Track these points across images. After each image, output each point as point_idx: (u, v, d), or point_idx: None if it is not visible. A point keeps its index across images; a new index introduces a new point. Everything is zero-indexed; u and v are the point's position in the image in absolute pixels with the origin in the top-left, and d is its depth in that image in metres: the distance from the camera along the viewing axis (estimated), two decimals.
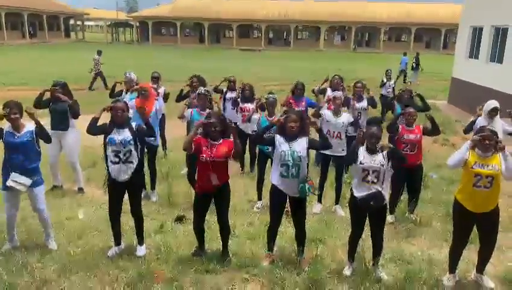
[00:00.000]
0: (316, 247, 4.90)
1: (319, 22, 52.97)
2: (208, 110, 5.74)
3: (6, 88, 16.20)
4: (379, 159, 4.16)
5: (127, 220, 4.99)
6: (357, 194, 4.26)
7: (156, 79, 8.21)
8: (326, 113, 6.13)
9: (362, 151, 4.23)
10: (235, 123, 7.61)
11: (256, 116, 6.61)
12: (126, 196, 4.67)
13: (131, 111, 5.15)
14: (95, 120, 4.54)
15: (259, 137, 4.74)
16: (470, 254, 4.65)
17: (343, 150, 5.91)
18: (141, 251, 4.74)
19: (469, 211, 4.10)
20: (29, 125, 4.53)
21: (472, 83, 14.35)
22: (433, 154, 8.66)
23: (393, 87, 12.64)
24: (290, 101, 7.21)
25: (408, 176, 5.72)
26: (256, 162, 6.79)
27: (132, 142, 4.47)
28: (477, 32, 14.96)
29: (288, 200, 4.51)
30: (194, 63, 27.43)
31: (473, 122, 6.17)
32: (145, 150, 6.17)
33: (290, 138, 4.34)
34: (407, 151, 5.55)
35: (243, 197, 6.55)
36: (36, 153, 4.60)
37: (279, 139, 4.39)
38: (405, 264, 4.67)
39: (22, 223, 5.27)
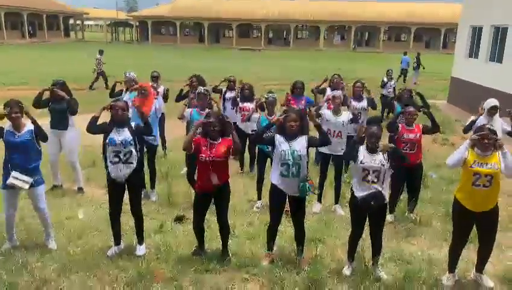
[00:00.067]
0: (315, 246, 4.91)
1: (318, 22, 52.97)
2: (207, 110, 5.74)
3: (6, 88, 16.19)
4: (379, 159, 4.16)
5: (126, 220, 4.99)
6: (357, 193, 4.26)
7: (155, 78, 8.22)
8: (326, 112, 6.13)
9: (362, 151, 4.23)
10: (235, 123, 7.63)
11: (256, 115, 6.61)
12: (126, 196, 4.67)
13: (130, 110, 5.15)
14: (94, 119, 4.55)
15: (258, 137, 4.75)
16: (470, 253, 4.66)
17: (342, 149, 5.91)
18: (141, 250, 4.74)
19: (468, 210, 4.10)
20: (29, 125, 4.53)
21: (472, 82, 14.36)
22: (433, 154, 8.66)
23: (394, 88, 12.60)
24: (289, 98, 7.18)
25: (408, 175, 5.73)
26: (255, 161, 6.79)
27: (132, 142, 4.48)
28: (476, 32, 14.97)
29: (287, 199, 4.51)
30: (194, 63, 27.43)
31: (473, 121, 6.17)
32: (145, 149, 6.19)
33: (290, 137, 4.34)
34: (406, 150, 5.56)
35: (242, 196, 6.55)
36: (36, 153, 4.60)
37: (278, 138, 4.39)
38: (404, 264, 4.67)
39: (21, 222, 5.27)
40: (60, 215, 5.53)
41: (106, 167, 4.59)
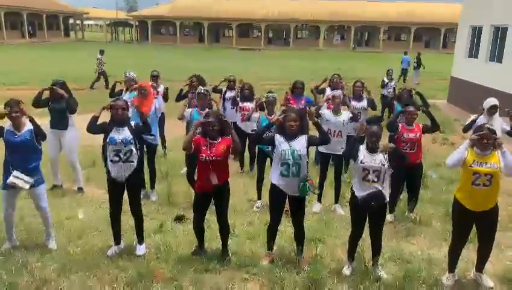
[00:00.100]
0: (315, 246, 4.90)
1: (318, 22, 52.96)
2: (207, 110, 5.74)
3: (6, 87, 16.19)
4: (379, 159, 4.16)
5: (126, 220, 4.99)
6: (357, 193, 4.26)
7: (155, 78, 8.22)
8: (326, 112, 6.14)
9: (362, 151, 4.23)
10: (235, 123, 7.63)
11: (256, 115, 6.61)
12: (126, 195, 4.67)
13: (130, 110, 5.15)
14: (94, 119, 4.55)
15: (258, 137, 4.74)
16: (469, 253, 4.66)
17: (342, 148, 5.90)
18: (141, 250, 4.74)
19: (468, 209, 4.10)
20: (29, 124, 4.53)
21: (471, 82, 14.36)
22: (433, 154, 8.66)
23: (394, 88, 12.56)
24: (288, 97, 7.17)
25: (408, 174, 5.73)
26: (255, 161, 6.79)
27: (133, 141, 4.48)
28: (476, 32, 14.97)
29: (287, 199, 4.51)
30: (194, 63, 27.42)
31: (473, 121, 6.17)
32: (145, 149, 6.19)
33: (290, 136, 4.34)
34: (406, 149, 5.56)
35: (242, 196, 6.55)
36: (37, 152, 4.60)
37: (278, 138, 4.39)
38: (404, 264, 4.67)
39: (21, 222, 5.27)
40: (60, 215, 5.53)
41: (106, 166, 4.59)
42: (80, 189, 6.66)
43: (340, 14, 52.36)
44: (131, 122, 4.61)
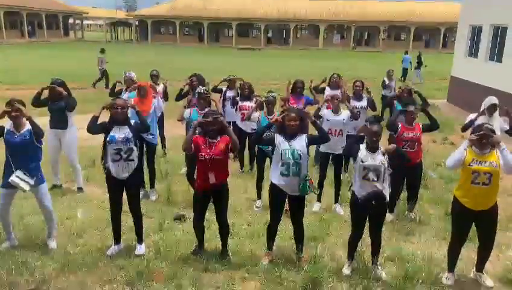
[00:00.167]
0: (315, 246, 4.91)
1: (318, 21, 52.94)
2: (206, 109, 5.73)
3: (5, 87, 16.17)
4: (380, 158, 4.16)
5: (126, 219, 4.98)
6: (358, 192, 4.26)
7: (155, 77, 8.21)
8: (326, 112, 6.13)
9: (363, 150, 4.23)
10: (234, 122, 7.63)
11: (256, 114, 6.60)
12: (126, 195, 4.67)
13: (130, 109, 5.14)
14: (94, 119, 4.55)
15: (258, 137, 4.74)
16: (469, 252, 4.66)
17: (342, 147, 5.90)
18: (140, 249, 4.74)
19: (468, 208, 4.10)
20: (29, 124, 4.51)
21: (471, 81, 14.36)
22: (432, 153, 8.66)
23: (394, 88, 12.53)
24: (287, 98, 7.17)
25: (407, 174, 5.73)
26: (255, 161, 6.79)
27: (133, 139, 4.49)
28: (476, 31, 14.97)
29: (287, 199, 4.50)
30: (193, 62, 27.40)
31: (472, 120, 6.15)
32: (144, 148, 6.19)
33: (290, 136, 4.34)
34: (406, 149, 5.55)
35: (242, 196, 6.55)
36: (37, 152, 4.59)
37: (278, 138, 4.38)
38: (404, 263, 4.66)
39: (20, 221, 5.27)
40: (59, 215, 5.52)
41: (105, 166, 4.59)
42: (80, 189, 6.65)
43: (339, 14, 52.36)
44: (131, 121, 4.61)
